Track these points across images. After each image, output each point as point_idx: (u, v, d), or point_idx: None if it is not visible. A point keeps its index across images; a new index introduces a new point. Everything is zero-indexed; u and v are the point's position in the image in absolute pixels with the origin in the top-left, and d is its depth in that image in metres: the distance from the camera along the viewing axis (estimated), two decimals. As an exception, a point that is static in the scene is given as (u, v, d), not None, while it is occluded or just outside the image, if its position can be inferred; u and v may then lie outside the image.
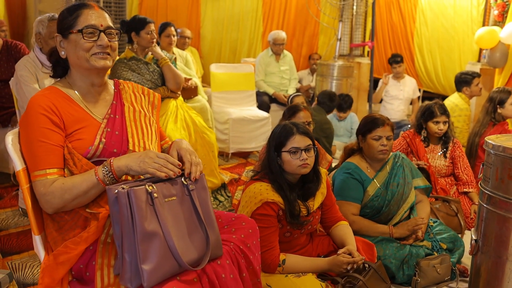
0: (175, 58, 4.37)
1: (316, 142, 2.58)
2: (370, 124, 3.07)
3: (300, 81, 7.61)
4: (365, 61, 7.35)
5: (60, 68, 1.95)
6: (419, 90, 7.46)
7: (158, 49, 4.01)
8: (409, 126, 5.44)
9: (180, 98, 4.23)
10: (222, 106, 5.96)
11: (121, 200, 1.59)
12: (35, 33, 3.63)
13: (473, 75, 5.15)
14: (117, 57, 3.65)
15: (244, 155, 5.91)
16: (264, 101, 6.55)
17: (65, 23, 1.85)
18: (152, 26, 3.92)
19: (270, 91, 6.72)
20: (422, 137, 3.94)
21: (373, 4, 7.18)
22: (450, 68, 7.91)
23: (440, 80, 8.21)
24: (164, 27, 5.24)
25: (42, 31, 3.59)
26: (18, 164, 1.80)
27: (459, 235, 3.34)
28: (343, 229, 2.70)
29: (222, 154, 5.66)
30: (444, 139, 3.96)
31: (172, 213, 1.70)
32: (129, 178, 1.84)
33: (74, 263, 1.74)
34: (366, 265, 2.51)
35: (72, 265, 1.75)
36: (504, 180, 2.00)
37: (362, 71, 7.23)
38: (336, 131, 5.88)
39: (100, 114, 1.92)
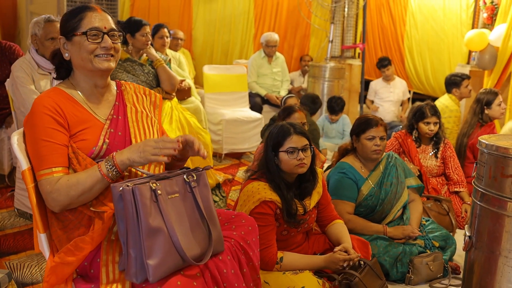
0: (170, 60, 4.40)
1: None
2: (363, 124, 3.12)
3: (291, 83, 7.67)
4: (356, 63, 7.42)
5: (63, 69, 1.98)
6: (409, 91, 7.55)
7: (153, 50, 4.04)
8: (400, 127, 5.52)
9: (175, 99, 4.26)
10: (215, 107, 6.01)
11: (126, 197, 1.63)
12: (31, 34, 3.65)
13: (463, 77, 5.22)
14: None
15: (237, 155, 5.95)
16: (257, 102, 6.60)
17: (69, 25, 1.88)
18: (148, 29, 3.96)
19: (263, 92, 6.77)
20: (414, 137, 4.01)
21: (364, 6, 7.26)
22: (440, 70, 8.00)
23: (430, 82, 8.30)
24: (157, 28, 5.27)
25: (38, 32, 3.61)
26: (23, 163, 1.82)
27: (451, 234, 3.41)
28: (339, 228, 2.74)
29: (216, 155, 5.70)
30: (435, 140, 4.02)
31: (175, 209, 1.74)
32: (133, 170, 1.87)
33: (81, 262, 1.77)
34: (362, 262, 2.55)
35: (78, 265, 1.78)
36: (497, 178, 2.07)
37: (353, 72, 7.29)
38: (328, 133, 5.95)
39: (103, 115, 1.95)
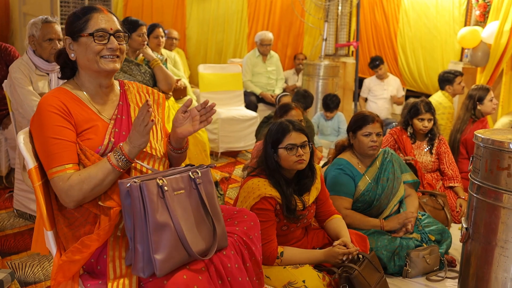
0: (166, 59, 4.43)
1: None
2: (360, 121, 3.17)
3: (285, 81, 7.72)
4: (350, 60, 7.47)
5: (68, 69, 2.01)
6: (403, 89, 7.61)
7: (149, 50, 4.07)
8: (394, 124, 5.57)
9: (172, 98, 4.29)
10: (210, 106, 6.03)
11: (133, 193, 1.66)
12: (28, 35, 3.66)
13: (456, 74, 5.28)
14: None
15: (233, 154, 5.99)
16: (252, 101, 6.64)
17: (75, 26, 1.91)
18: (144, 29, 3.99)
19: (257, 91, 6.81)
20: (409, 133, 4.06)
21: (358, 4, 7.31)
22: (433, 67, 8.06)
23: (423, 79, 8.37)
24: (152, 28, 5.27)
25: (36, 33, 3.63)
26: (30, 162, 1.85)
27: (446, 228, 3.47)
28: (337, 222, 2.79)
29: (212, 154, 5.73)
30: (430, 136, 4.08)
31: (181, 205, 1.78)
32: (137, 166, 1.92)
33: (87, 259, 1.81)
34: (360, 256, 2.60)
35: (85, 262, 1.82)
36: (493, 171, 2.12)
37: (347, 70, 7.34)
38: (323, 130, 5.99)
39: (107, 115, 1.98)
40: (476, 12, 6.35)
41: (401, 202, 3.30)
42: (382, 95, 6.95)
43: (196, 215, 1.83)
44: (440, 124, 4.99)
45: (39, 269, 3.07)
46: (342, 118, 5.98)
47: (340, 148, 3.33)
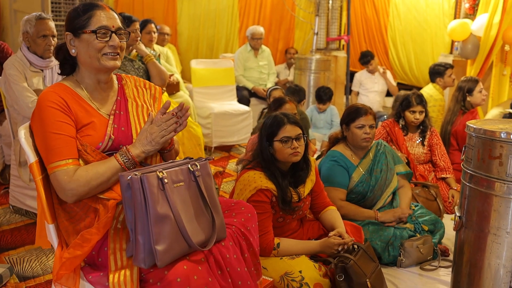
0: (159, 55, 4.44)
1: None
2: (353, 113, 3.21)
3: (277, 76, 7.75)
4: (342, 54, 7.50)
5: (68, 65, 2.03)
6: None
7: (142, 46, 4.08)
8: (386, 116, 5.62)
9: (165, 93, 4.31)
10: (203, 101, 6.06)
11: (134, 185, 1.69)
12: (22, 32, 3.67)
13: (446, 66, 5.32)
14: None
15: (226, 148, 6.02)
16: (244, 95, 6.68)
17: (77, 22, 1.92)
18: (137, 25, 4.00)
19: (250, 85, 6.84)
20: (401, 125, 4.11)
21: (348, -2, 7.35)
22: (423, 60, 8.12)
23: (413, 72, 8.43)
24: (144, 24, 5.28)
25: (30, 30, 3.63)
26: (31, 157, 1.88)
27: (439, 218, 3.52)
28: (332, 214, 2.84)
29: (205, 148, 5.74)
30: (422, 128, 4.13)
31: (181, 197, 1.81)
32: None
33: (89, 252, 1.83)
34: (356, 246, 2.64)
35: (86, 255, 1.84)
36: (485, 160, 2.17)
37: (338, 64, 7.38)
38: (316, 123, 6.03)
39: (106, 111, 2.00)
40: (466, 5, 6.40)
41: (394, 193, 3.34)
42: (373, 88, 7.00)
43: (196, 207, 1.86)
44: (431, 117, 5.03)
45: (37, 264, 3.09)
46: (335, 111, 6.02)
47: (334, 141, 3.37)
